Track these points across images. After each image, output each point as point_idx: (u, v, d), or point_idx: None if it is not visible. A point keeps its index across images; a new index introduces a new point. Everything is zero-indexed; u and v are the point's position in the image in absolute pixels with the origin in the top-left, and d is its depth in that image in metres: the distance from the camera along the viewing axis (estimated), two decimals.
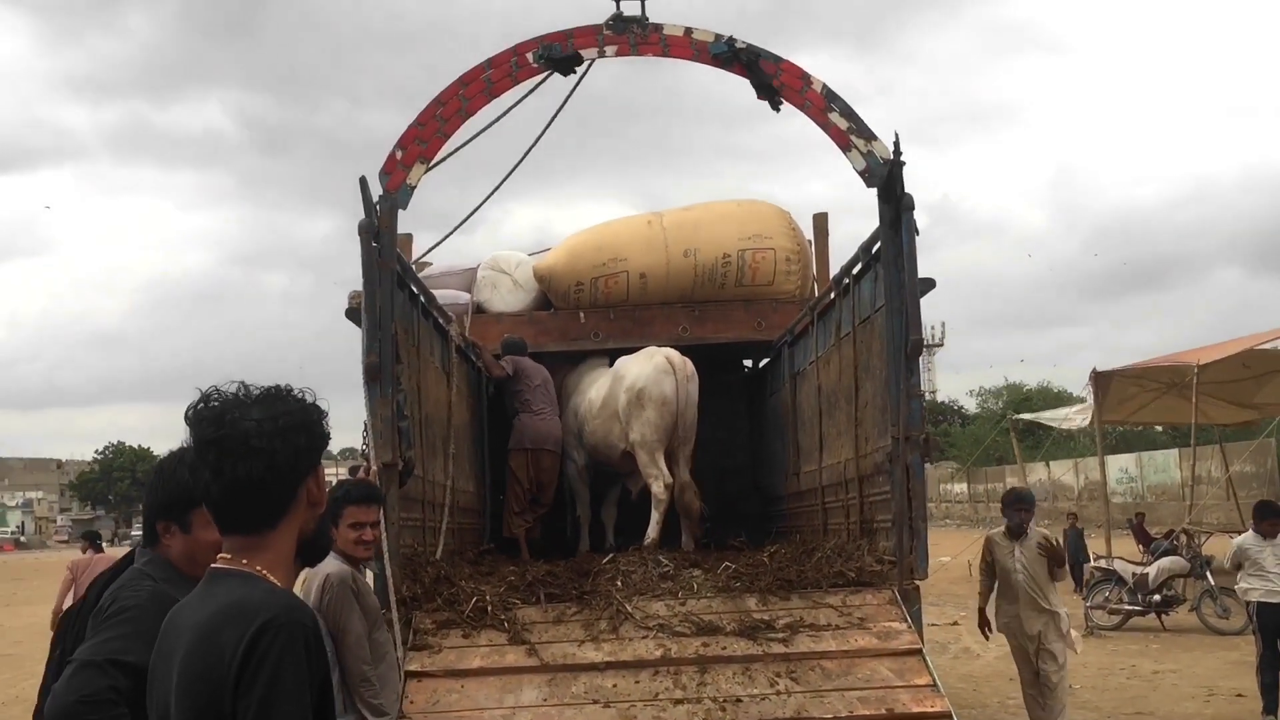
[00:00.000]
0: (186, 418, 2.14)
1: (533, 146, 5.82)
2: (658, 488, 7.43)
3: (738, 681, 4.56)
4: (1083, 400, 29.83)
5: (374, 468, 4.99)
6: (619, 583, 5.29)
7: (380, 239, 5.23)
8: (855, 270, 6.28)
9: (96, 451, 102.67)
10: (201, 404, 2.09)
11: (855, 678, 4.57)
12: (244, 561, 2.04)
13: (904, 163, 5.25)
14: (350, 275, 5.19)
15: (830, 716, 4.34)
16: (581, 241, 9.05)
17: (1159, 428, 49.86)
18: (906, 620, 4.92)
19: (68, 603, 9.46)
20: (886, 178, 5.29)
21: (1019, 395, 60.43)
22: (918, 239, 5.29)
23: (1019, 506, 6.98)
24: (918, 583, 5.13)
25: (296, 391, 2.15)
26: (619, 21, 5.51)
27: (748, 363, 10.06)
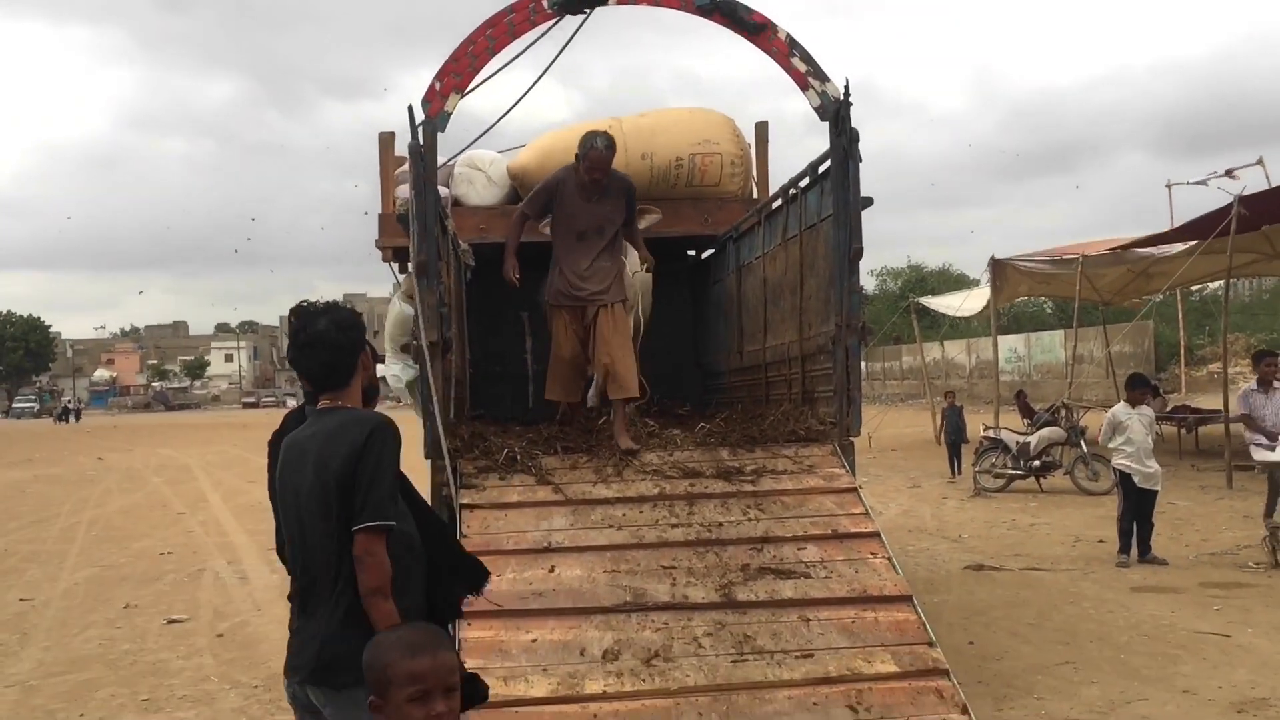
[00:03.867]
0: (287, 321, 3.64)
1: (539, 79, 6.93)
2: None
3: (718, 512, 5.92)
4: (977, 284, 31.85)
5: (423, 344, 6.19)
6: (614, 440, 6.59)
7: (426, 157, 6.33)
8: (803, 184, 7.53)
9: None
10: (292, 316, 3.53)
11: (807, 509, 5.96)
12: (339, 403, 3.45)
13: (851, 103, 6.49)
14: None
15: (790, 535, 5.73)
16: (551, 143, 10.11)
17: (1048, 309, 52.64)
18: (845, 467, 6.31)
19: None
20: (837, 114, 6.52)
21: (918, 276, 62.56)
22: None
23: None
24: (852, 439, 6.53)
25: (344, 303, 3.68)
26: None
27: (691, 253, 11.28)
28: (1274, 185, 23.98)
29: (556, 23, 6.62)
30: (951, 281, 55.37)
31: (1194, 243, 17.53)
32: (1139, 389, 10.59)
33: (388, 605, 3.17)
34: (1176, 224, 25.08)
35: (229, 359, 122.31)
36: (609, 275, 6.91)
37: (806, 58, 6.62)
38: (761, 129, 10.46)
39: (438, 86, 6.41)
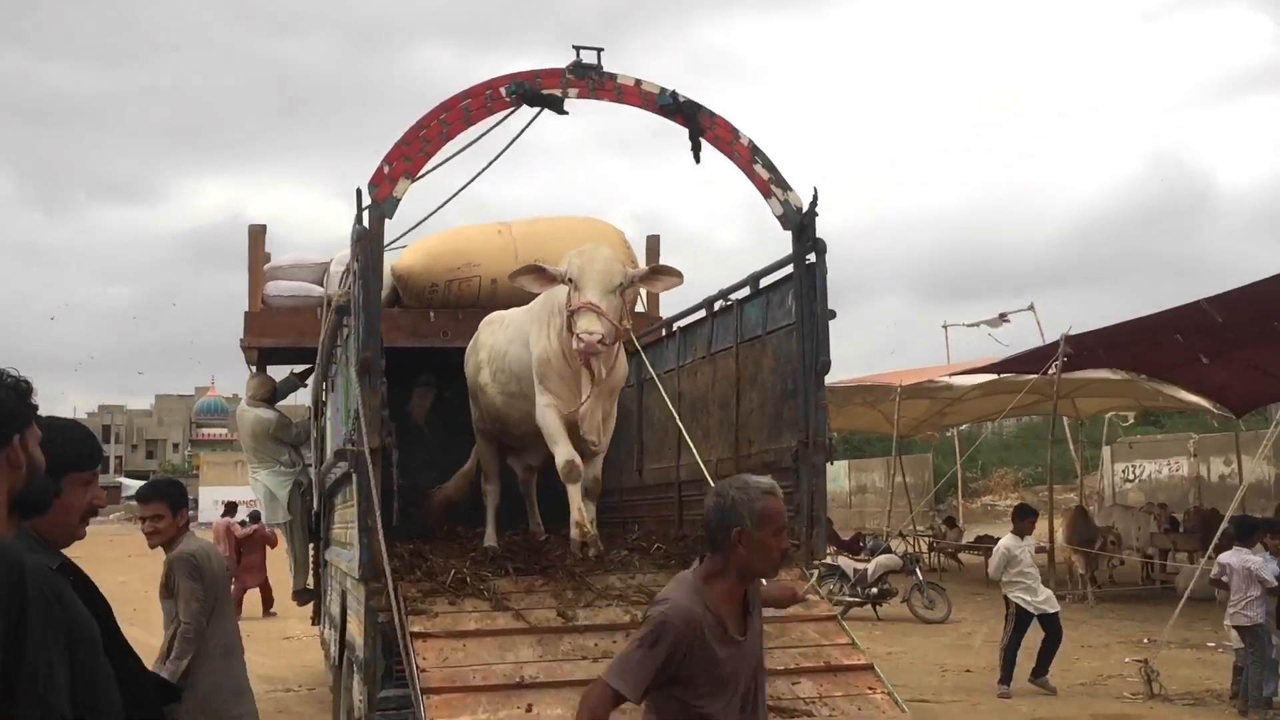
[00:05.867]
0: None
1: (485, 169, 6.46)
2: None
3: None
4: None
5: (365, 451, 5.53)
6: (568, 560, 6.01)
7: (373, 245, 5.75)
8: (739, 296, 7.28)
9: None
10: None
11: (790, 638, 5.53)
12: None
13: (818, 213, 6.31)
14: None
15: (781, 668, 5.28)
16: (438, 245, 9.59)
17: (832, 439, 54.34)
18: (819, 593, 5.95)
19: None
20: (801, 224, 6.32)
21: None
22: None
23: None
24: (818, 563, 6.18)
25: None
26: (579, 68, 6.24)
27: None
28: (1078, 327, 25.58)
29: (512, 112, 6.21)
30: None
31: (1004, 376, 18.40)
32: (1028, 519, 10.68)
33: None
34: (954, 362, 26.49)
35: None
36: None
37: (769, 165, 6.41)
38: (653, 242, 10.25)
39: (386, 170, 5.87)
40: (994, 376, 20.01)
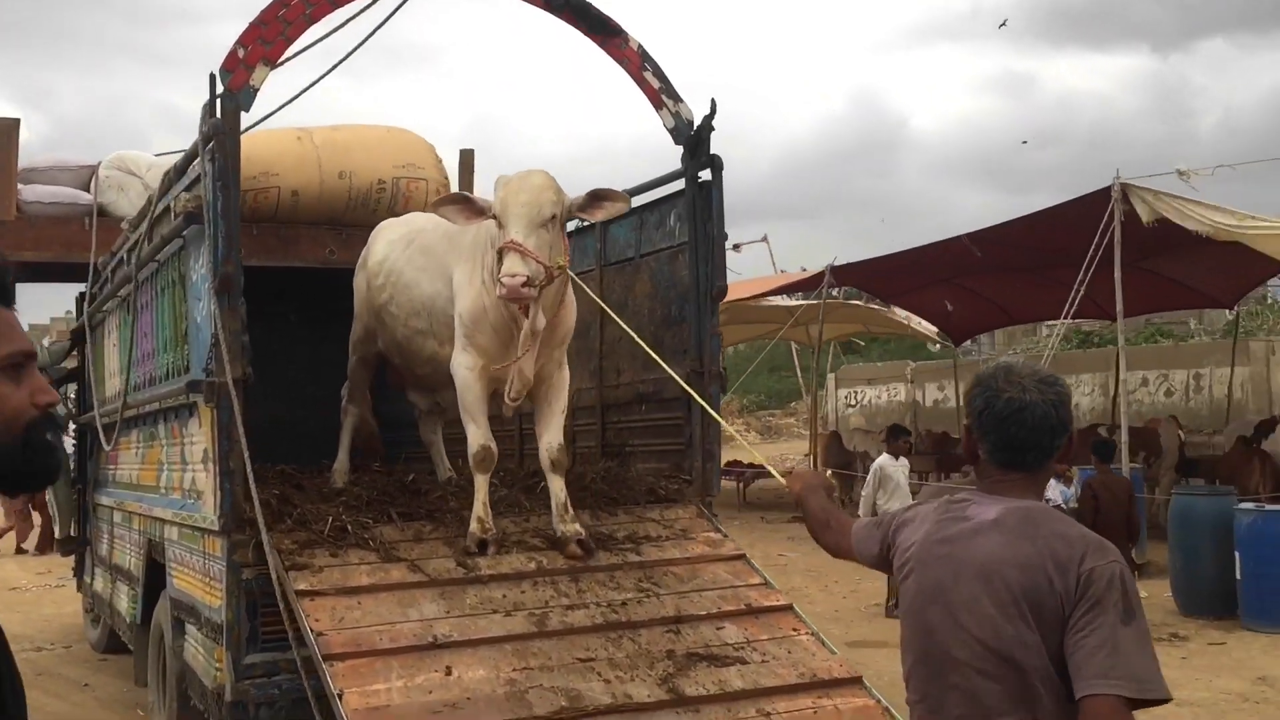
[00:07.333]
0: None
1: (351, 53, 5.68)
2: None
3: (610, 588, 4.97)
4: None
5: (228, 381, 4.75)
6: (452, 502, 5.40)
7: (229, 141, 4.92)
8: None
9: None
10: None
11: (704, 580, 5.18)
12: None
13: (714, 127, 5.88)
14: None
15: (703, 613, 4.94)
16: None
17: None
18: (720, 531, 5.61)
19: None
20: (695, 138, 5.88)
21: None
22: None
23: None
24: (710, 499, 5.85)
25: None
26: None
27: None
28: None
29: None
30: None
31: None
32: (902, 438, 10.47)
33: None
34: None
35: None
36: None
37: (659, 73, 5.93)
38: (467, 156, 9.54)
39: (241, 54, 5.02)
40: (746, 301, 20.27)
